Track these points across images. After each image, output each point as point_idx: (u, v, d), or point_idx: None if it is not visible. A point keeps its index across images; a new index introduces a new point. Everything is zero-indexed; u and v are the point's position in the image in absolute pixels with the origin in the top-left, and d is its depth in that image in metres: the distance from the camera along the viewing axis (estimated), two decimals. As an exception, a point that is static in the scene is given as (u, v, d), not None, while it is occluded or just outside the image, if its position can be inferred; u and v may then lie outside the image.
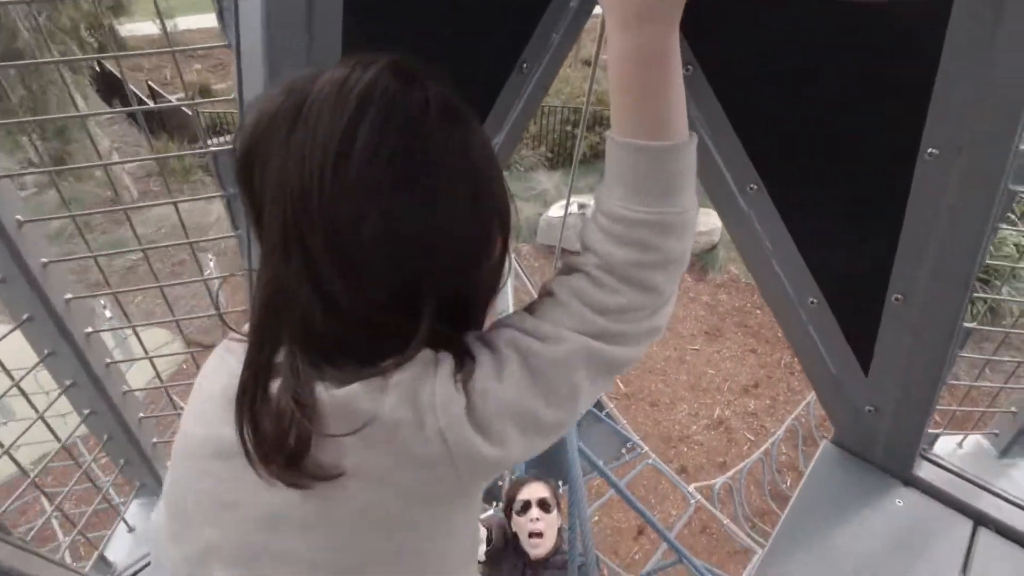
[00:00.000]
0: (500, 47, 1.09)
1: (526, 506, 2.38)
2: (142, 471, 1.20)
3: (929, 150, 1.02)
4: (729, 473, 5.40)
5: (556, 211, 8.66)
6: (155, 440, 1.19)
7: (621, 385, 7.04)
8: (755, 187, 1.26)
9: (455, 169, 0.55)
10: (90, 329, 1.02)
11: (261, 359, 0.55)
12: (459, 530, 0.64)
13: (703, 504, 4.25)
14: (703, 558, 5.47)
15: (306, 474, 0.52)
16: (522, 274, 6.17)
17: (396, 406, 0.53)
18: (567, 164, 9.77)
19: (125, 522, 1.17)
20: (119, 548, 1.14)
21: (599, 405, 4.70)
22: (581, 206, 8.53)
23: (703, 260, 8.35)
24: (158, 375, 1.20)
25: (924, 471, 1.35)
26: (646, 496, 6.16)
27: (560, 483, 4.13)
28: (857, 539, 1.26)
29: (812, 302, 1.30)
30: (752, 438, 6.44)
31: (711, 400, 6.92)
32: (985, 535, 1.26)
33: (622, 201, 0.59)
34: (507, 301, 4.86)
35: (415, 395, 0.54)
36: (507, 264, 0.63)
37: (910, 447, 1.32)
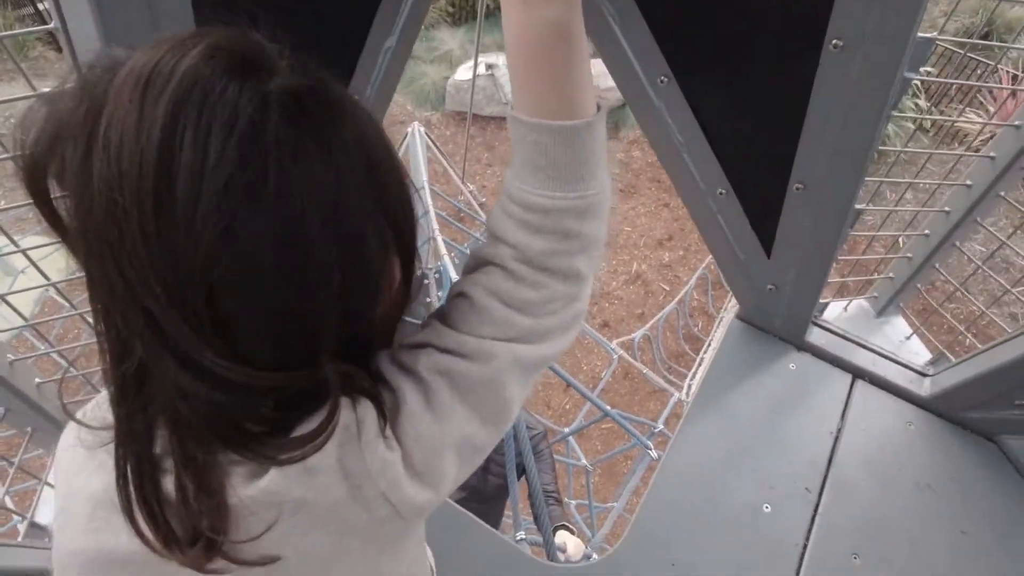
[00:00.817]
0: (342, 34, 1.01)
1: None
2: (55, 435, 1.15)
3: (834, 41, 1.01)
4: (647, 325, 5.83)
5: (463, 73, 8.17)
6: (38, 381, 1.11)
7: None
8: (666, 79, 1.22)
9: (316, 186, 0.41)
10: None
11: (141, 452, 0.45)
12: (409, 551, 0.65)
13: (624, 357, 4.62)
14: (626, 399, 6.06)
15: (236, 562, 0.46)
16: (432, 146, 5.93)
17: (328, 487, 0.47)
18: (471, 19, 9.06)
19: (50, 485, 1.14)
20: (48, 511, 1.12)
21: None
22: (489, 67, 8.08)
23: (614, 117, 8.29)
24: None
25: (814, 336, 1.51)
26: (572, 351, 6.61)
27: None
28: (756, 403, 1.41)
29: (721, 193, 1.33)
30: (667, 288, 6.90)
31: (628, 256, 7.26)
32: (861, 386, 1.45)
33: (536, 188, 0.53)
34: (427, 201, 4.71)
35: (344, 469, 0.48)
36: (415, 275, 0.54)
37: (804, 317, 1.46)
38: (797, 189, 1.23)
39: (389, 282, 0.51)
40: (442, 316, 0.56)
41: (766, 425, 1.37)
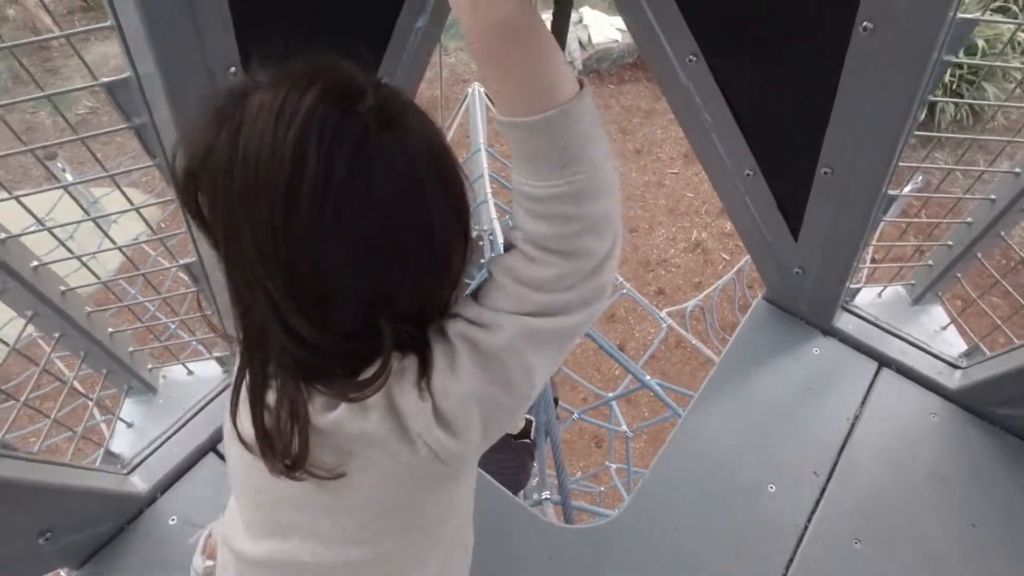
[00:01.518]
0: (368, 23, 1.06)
1: None
2: (125, 377, 1.31)
3: (864, 23, 0.98)
4: (702, 294, 5.72)
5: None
6: (131, 349, 1.28)
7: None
8: (694, 58, 1.21)
9: (403, 180, 0.53)
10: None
11: (255, 372, 0.60)
12: (459, 499, 0.73)
13: (674, 327, 4.58)
14: (676, 368, 6.02)
15: (312, 475, 0.59)
16: (492, 106, 5.90)
17: (379, 422, 0.58)
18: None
19: (122, 420, 1.31)
20: (123, 443, 1.29)
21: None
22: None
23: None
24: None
25: (842, 322, 1.49)
26: (626, 317, 6.59)
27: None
28: (774, 384, 1.42)
29: (748, 174, 1.32)
30: (727, 258, 6.71)
31: (689, 223, 7.08)
32: (886, 374, 1.43)
33: (526, 178, 0.56)
34: (482, 163, 4.73)
35: (390, 408, 0.58)
36: (469, 254, 0.63)
37: (831, 302, 1.44)
38: (825, 174, 1.21)
39: (456, 268, 0.61)
40: (474, 292, 0.64)
41: (781, 407, 1.38)
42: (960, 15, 0.99)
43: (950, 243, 1.38)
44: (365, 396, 0.57)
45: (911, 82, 1.01)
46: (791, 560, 1.20)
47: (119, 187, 1.03)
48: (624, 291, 4.63)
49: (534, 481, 3.74)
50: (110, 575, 1.19)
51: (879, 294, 1.54)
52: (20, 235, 1.00)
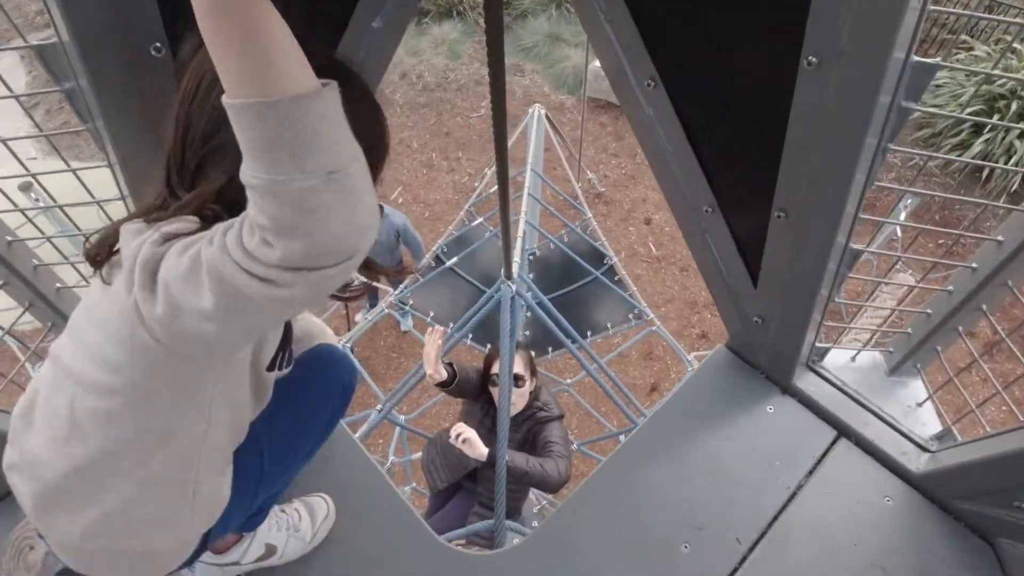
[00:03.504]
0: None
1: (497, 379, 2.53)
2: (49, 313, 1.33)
3: (809, 57, 0.91)
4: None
5: (605, 60, 8.01)
6: (58, 286, 1.31)
7: (653, 248, 7.00)
8: (652, 83, 1.16)
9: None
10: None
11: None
12: (198, 399, 0.78)
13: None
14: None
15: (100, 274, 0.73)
16: (551, 129, 5.93)
17: (131, 251, 0.67)
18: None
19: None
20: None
21: (612, 271, 4.74)
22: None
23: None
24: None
25: (804, 382, 1.37)
26: (663, 356, 6.39)
27: (551, 349, 4.34)
28: (716, 437, 1.32)
29: (707, 209, 1.25)
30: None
31: (743, 270, 6.81)
32: (843, 446, 1.30)
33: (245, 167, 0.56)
34: (527, 182, 4.75)
35: (143, 248, 0.67)
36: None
37: (790, 358, 1.33)
38: (779, 217, 1.13)
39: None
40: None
41: (718, 462, 1.28)
42: (918, 59, 0.90)
43: (928, 311, 1.25)
44: (137, 218, 0.70)
45: (860, 123, 0.93)
46: (692, 629, 1.10)
47: (57, 150, 1.08)
48: (654, 328, 4.50)
49: (535, 508, 3.65)
50: None
51: (852, 358, 1.41)
52: None
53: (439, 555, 1.19)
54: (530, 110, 5.85)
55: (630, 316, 4.62)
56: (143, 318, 0.65)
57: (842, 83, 0.90)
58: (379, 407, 3.50)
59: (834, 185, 1.01)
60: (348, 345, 4.46)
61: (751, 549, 1.17)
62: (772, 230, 1.16)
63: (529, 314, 4.14)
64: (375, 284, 5.05)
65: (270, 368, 0.90)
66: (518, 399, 2.49)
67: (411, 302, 4.77)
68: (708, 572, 1.15)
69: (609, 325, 4.70)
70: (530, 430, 2.51)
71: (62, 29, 0.88)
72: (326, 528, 1.21)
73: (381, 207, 4.93)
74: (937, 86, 6.25)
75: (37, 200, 1.33)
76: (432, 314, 4.74)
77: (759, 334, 1.33)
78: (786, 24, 0.92)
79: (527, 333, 4.77)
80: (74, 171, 1.09)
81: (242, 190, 0.57)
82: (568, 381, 4.47)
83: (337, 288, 0.66)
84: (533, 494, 3.79)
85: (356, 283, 0.97)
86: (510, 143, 6.06)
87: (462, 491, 2.75)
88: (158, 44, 0.94)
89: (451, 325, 4.37)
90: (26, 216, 1.26)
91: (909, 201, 3.43)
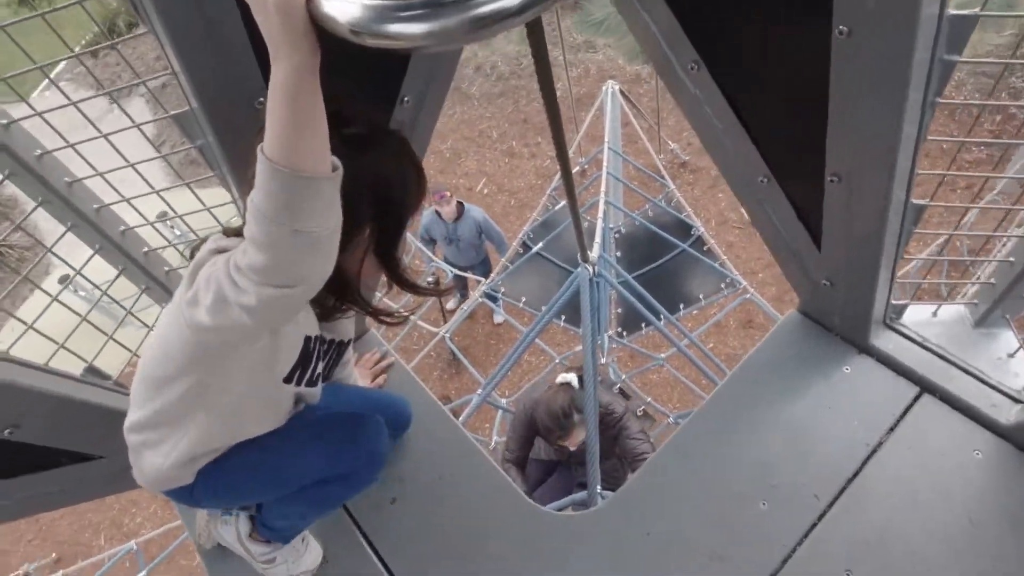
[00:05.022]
0: (381, 85, 1.22)
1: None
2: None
3: (840, 27, 0.94)
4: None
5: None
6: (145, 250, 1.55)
7: (744, 213, 6.75)
8: (695, 66, 1.21)
9: (349, 185, 0.80)
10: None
11: None
12: (231, 374, 0.95)
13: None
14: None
15: None
16: (626, 103, 5.86)
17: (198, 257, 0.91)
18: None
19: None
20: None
21: (700, 242, 4.67)
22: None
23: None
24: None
25: (883, 340, 1.36)
26: (765, 324, 6.18)
27: (643, 325, 4.35)
28: (791, 399, 1.35)
29: (762, 180, 1.28)
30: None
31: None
32: (927, 401, 1.29)
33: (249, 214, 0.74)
34: (606, 160, 4.76)
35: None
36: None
37: (864, 318, 1.33)
38: (832, 181, 1.15)
39: (355, 248, 0.92)
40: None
41: (793, 422, 1.32)
42: (954, 12, 0.90)
43: (1012, 259, 1.21)
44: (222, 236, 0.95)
45: (899, 83, 0.94)
46: (774, 578, 1.16)
47: (191, 188, 1.31)
48: (748, 296, 4.39)
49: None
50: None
51: (934, 313, 1.38)
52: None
53: (529, 519, 1.32)
54: (603, 87, 5.82)
55: (722, 286, 4.53)
56: (179, 304, 0.85)
57: (875, 48, 0.92)
58: (479, 391, 3.70)
59: (883, 145, 1.03)
60: (447, 336, 4.73)
61: (830, 505, 1.21)
62: (828, 194, 1.18)
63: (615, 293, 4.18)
64: (465, 275, 5.26)
65: (287, 380, 1.01)
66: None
67: (502, 291, 4.94)
68: (786, 528, 1.20)
69: (701, 296, 4.63)
70: (603, 434, 2.58)
71: (191, 96, 1.08)
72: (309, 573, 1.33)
73: (461, 204, 5.15)
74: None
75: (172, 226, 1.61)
76: (524, 300, 4.89)
77: (829, 296, 1.35)
78: (813, -3, 0.95)
79: (618, 311, 4.81)
80: (207, 208, 1.32)
81: None
82: (663, 355, 4.48)
83: (287, 309, 0.83)
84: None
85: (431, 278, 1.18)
86: (586, 122, 6.08)
87: (562, 468, 2.89)
88: (261, 99, 1.13)
89: (541, 309, 4.51)
90: (165, 239, 1.51)
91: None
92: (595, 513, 1.31)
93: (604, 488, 2.22)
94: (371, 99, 1.27)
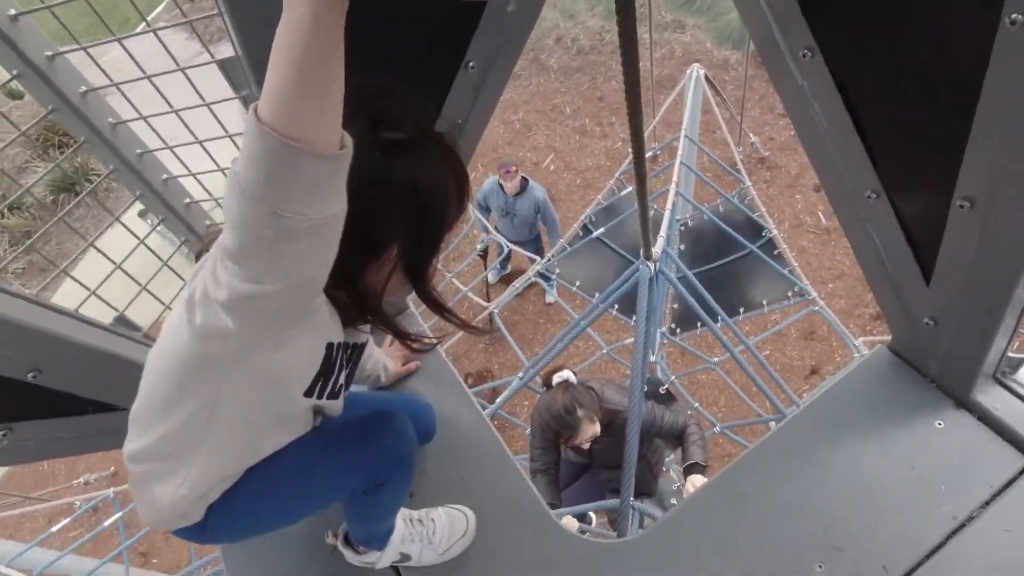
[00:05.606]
0: (444, 48, 1.12)
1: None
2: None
3: (1013, 15, 0.75)
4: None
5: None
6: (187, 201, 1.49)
7: (822, 218, 6.33)
8: (809, 53, 1.03)
9: (391, 191, 0.79)
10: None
11: None
12: (227, 392, 0.81)
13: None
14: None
15: None
16: (710, 90, 5.52)
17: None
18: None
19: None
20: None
21: (770, 245, 4.37)
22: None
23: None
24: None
25: (989, 396, 1.16)
26: (828, 337, 5.83)
27: (699, 324, 4.12)
28: (871, 450, 1.17)
29: (870, 195, 1.09)
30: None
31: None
32: (1036, 477, 1.09)
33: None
34: (680, 149, 4.49)
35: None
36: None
37: (970, 368, 1.13)
38: (962, 207, 0.95)
39: (382, 261, 0.82)
40: None
41: (868, 477, 1.14)
42: None
43: None
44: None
45: (1079, 95, 0.74)
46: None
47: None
48: (816, 308, 4.09)
49: (674, 486, 3.59)
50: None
51: (1059, 372, 1.16)
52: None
53: (552, 537, 1.21)
54: (688, 71, 5.50)
55: (789, 294, 4.25)
56: (195, 323, 0.71)
57: (1057, 45, 0.73)
58: (520, 374, 3.61)
59: (1040, 170, 0.83)
60: (495, 312, 4.65)
61: (901, 580, 1.05)
62: (953, 221, 0.99)
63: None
64: (516, 249, 5.15)
65: (307, 394, 0.89)
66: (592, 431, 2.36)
67: (557, 271, 4.81)
68: (846, 598, 1.05)
69: (765, 303, 4.36)
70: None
71: (236, 42, 0.99)
72: (463, 545, 1.21)
73: (526, 180, 5.01)
74: None
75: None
76: (578, 283, 4.75)
77: (930, 337, 1.15)
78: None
79: (674, 306, 4.61)
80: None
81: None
82: (716, 360, 4.26)
83: (264, 313, 0.69)
84: (673, 471, 3.72)
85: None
86: (664, 106, 5.78)
87: (590, 470, 2.77)
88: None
89: (595, 296, 4.35)
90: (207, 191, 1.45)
91: None
92: (623, 544, 1.18)
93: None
94: (433, 61, 1.15)
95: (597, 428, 2.30)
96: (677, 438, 2.47)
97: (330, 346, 0.88)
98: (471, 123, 1.19)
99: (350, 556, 1.17)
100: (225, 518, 0.91)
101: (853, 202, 1.13)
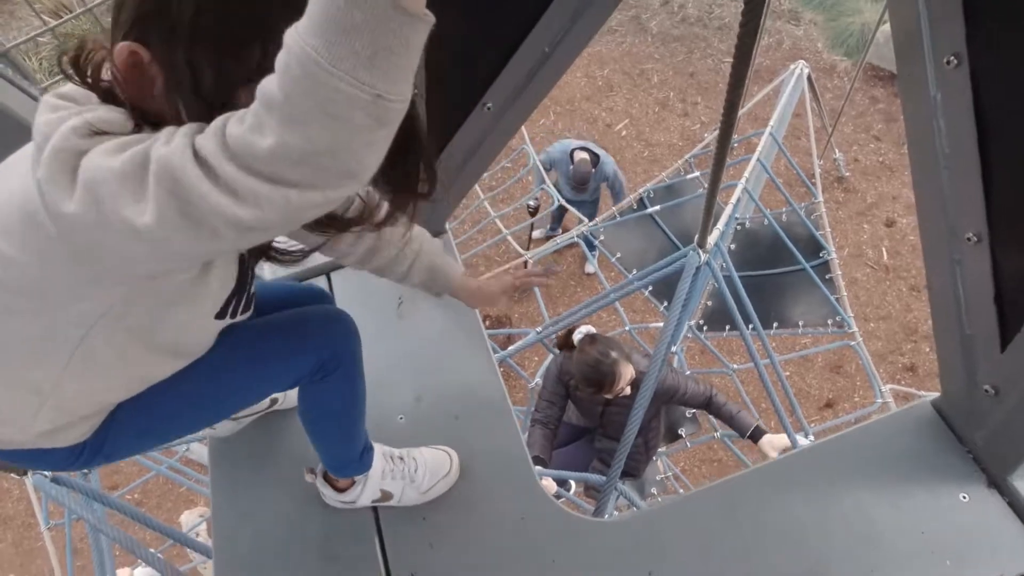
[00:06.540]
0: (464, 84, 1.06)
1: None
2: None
3: None
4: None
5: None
6: None
7: (885, 254, 6.03)
8: (955, 60, 0.90)
9: None
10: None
11: None
12: (95, 312, 0.65)
13: (887, 406, 3.76)
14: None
15: None
16: (809, 94, 5.18)
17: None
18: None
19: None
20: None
21: (825, 267, 4.18)
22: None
23: None
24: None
25: (1026, 482, 1.07)
26: (854, 374, 5.65)
27: (727, 328, 4.01)
28: (883, 502, 1.10)
29: (971, 237, 0.98)
30: None
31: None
32: (1053, 578, 1.01)
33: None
34: (760, 146, 4.26)
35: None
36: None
37: (1018, 449, 1.04)
38: (1074, 273, 0.84)
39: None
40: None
41: (874, 530, 1.07)
42: None
43: None
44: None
45: None
46: None
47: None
48: (853, 343, 3.93)
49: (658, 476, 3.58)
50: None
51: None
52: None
53: (532, 495, 1.18)
54: (792, 66, 5.16)
55: (829, 321, 4.09)
56: (47, 205, 0.53)
57: None
58: (539, 329, 3.57)
59: None
60: (531, 261, 4.58)
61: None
62: (1057, 287, 0.88)
63: (714, 284, 3.86)
64: (569, 207, 5.03)
65: (219, 316, 0.76)
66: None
67: (601, 237, 4.70)
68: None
69: (801, 323, 4.22)
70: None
71: None
72: (445, 485, 1.17)
73: (597, 155, 4.82)
74: None
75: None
76: (619, 255, 4.65)
77: (985, 407, 1.06)
78: None
79: (708, 303, 4.49)
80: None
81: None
82: (735, 366, 4.16)
83: (308, 221, 0.55)
84: (660, 462, 3.69)
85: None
86: (756, 98, 5.47)
87: (587, 436, 2.74)
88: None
89: (634, 272, 4.25)
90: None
91: None
92: (600, 524, 1.15)
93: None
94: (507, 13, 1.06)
95: (632, 370, 2.25)
96: (701, 406, 2.47)
97: (242, 256, 0.77)
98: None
99: (329, 495, 1.13)
100: (122, 430, 0.78)
101: (949, 241, 1.01)
